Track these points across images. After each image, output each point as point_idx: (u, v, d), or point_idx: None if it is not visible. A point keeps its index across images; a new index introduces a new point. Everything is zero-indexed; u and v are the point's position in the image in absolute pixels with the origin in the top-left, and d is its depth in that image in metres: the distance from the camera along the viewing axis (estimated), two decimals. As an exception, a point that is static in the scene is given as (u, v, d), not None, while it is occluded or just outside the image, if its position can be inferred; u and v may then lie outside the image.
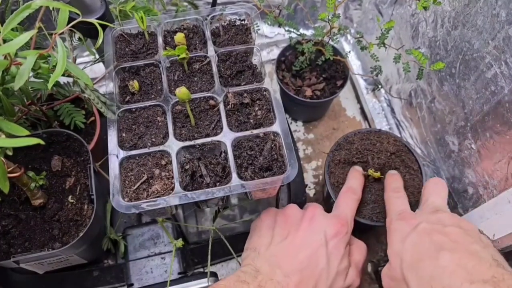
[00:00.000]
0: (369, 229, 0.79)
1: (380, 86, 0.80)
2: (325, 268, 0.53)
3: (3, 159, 0.43)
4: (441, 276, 0.43)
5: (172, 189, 0.51)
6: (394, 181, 0.63)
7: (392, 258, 0.52)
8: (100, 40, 0.50)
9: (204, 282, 0.65)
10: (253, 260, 0.55)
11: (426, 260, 0.46)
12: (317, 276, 0.53)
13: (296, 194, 0.76)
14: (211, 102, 0.57)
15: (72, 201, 0.59)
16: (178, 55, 0.57)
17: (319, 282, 0.53)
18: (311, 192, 0.85)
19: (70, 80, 0.56)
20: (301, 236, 0.56)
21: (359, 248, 0.60)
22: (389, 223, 0.57)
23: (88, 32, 0.63)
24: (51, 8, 0.62)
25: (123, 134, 0.55)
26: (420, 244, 0.48)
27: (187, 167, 0.53)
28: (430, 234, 0.48)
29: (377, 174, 0.65)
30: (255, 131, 0.55)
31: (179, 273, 0.70)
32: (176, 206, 0.57)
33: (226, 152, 0.54)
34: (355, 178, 0.64)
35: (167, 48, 0.61)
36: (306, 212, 0.58)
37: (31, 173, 0.55)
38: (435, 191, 0.57)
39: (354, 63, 0.99)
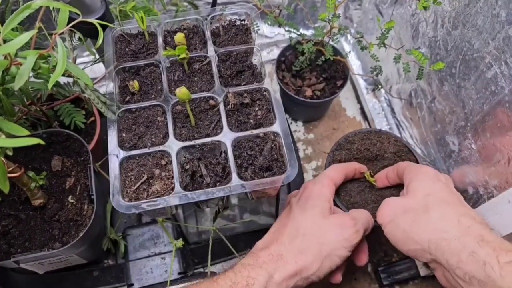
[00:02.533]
0: (369, 229, 0.79)
1: (380, 86, 0.80)
2: (287, 216, 0.57)
3: (3, 159, 0.43)
4: (470, 211, 0.53)
5: (172, 189, 0.51)
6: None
7: (417, 191, 0.55)
8: (100, 40, 0.50)
9: (204, 282, 0.65)
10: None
11: (457, 203, 0.54)
12: (287, 225, 0.56)
13: (296, 194, 0.76)
14: (211, 102, 0.57)
15: (72, 201, 0.59)
16: (178, 55, 0.57)
17: (287, 227, 0.55)
18: (311, 192, 0.85)
19: (70, 80, 0.56)
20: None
21: (358, 210, 0.61)
22: (417, 167, 0.59)
23: (88, 32, 0.63)
24: (51, 8, 0.62)
25: (123, 134, 0.55)
26: (450, 193, 0.55)
27: (187, 167, 0.53)
28: (458, 195, 0.56)
29: (373, 180, 0.64)
30: (255, 131, 0.55)
31: (179, 273, 0.70)
32: (176, 206, 0.57)
33: (226, 152, 0.54)
34: (349, 162, 0.66)
35: (167, 48, 0.61)
36: None
37: (31, 173, 0.55)
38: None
39: (354, 63, 0.99)
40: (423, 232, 0.51)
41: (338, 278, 0.58)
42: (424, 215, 0.52)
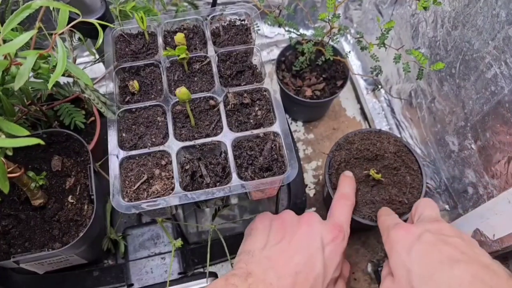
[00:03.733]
0: (369, 229, 0.79)
1: (380, 86, 0.80)
2: (321, 273, 0.52)
3: (3, 159, 0.43)
4: (453, 273, 0.44)
5: (172, 189, 0.51)
6: (383, 208, 0.63)
7: (397, 270, 0.49)
8: (100, 40, 0.50)
9: (204, 282, 0.65)
10: (245, 263, 0.53)
11: (439, 272, 0.45)
12: (312, 280, 0.51)
13: (296, 194, 0.77)
14: (211, 102, 0.57)
15: (72, 201, 0.59)
16: (178, 55, 0.57)
17: (314, 287, 0.51)
18: (311, 192, 0.85)
19: (70, 80, 0.56)
20: (298, 240, 0.54)
21: (346, 265, 0.60)
22: (386, 236, 0.54)
23: (88, 32, 0.63)
24: (51, 8, 0.62)
25: (123, 134, 0.55)
26: (429, 255, 0.47)
27: (187, 167, 0.53)
28: (437, 245, 0.48)
29: (378, 176, 0.65)
30: (255, 131, 0.55)
31: (179, 273, 0.70)
32: (176, 206, 0.57)
33: (226, 152, 0.54)
34: (347, 184, 0.63)
35: (167, 48, 0.61)
36: (303, 218, 0.57)
37: (31, 173, 0.55)
38: (430, 206, 0.57)
39: (354, 63, 0.99)
40: None
41: None
42: None
